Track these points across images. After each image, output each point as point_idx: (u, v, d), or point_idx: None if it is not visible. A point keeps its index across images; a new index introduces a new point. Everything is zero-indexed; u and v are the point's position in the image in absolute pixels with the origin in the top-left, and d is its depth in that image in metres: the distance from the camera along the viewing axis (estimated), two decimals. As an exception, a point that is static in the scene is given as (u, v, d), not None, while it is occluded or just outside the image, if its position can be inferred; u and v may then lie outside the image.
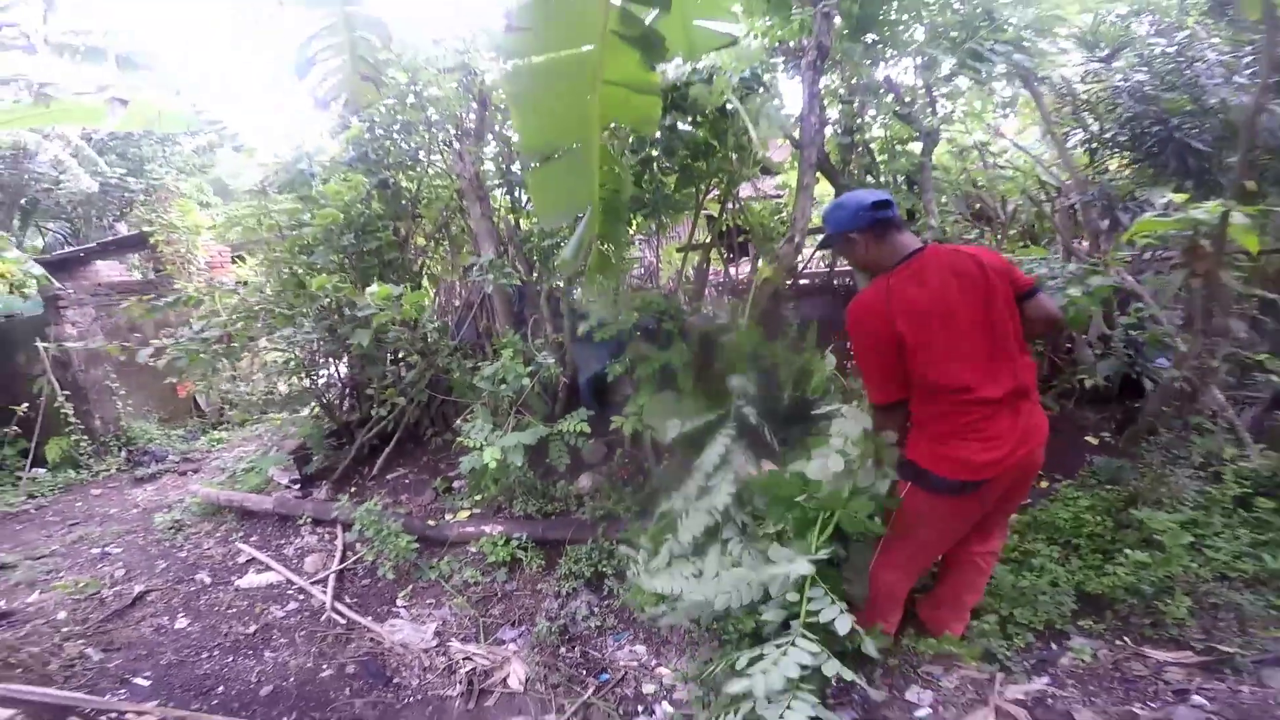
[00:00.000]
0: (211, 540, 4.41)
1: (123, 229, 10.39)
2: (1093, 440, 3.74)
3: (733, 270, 5.38)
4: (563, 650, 3.02)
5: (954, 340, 2.05)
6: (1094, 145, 3.96)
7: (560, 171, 2.27)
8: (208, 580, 3.91)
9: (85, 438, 6.47)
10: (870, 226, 2.16)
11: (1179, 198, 2.76)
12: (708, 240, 4.88)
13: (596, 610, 3.24)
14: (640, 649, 3.00)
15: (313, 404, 5.31)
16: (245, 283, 4.86)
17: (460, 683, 2.84)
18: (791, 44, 3.68)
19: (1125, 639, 2.62)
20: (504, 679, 2.86)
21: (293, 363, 4.85)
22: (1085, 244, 3.83)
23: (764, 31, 3.83)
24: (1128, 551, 2.84)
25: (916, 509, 2.24)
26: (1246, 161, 2.78)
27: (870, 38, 3.84)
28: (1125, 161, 4.04)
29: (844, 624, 2.08)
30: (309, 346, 4.75)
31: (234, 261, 7.75)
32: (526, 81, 1.98)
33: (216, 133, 3.34)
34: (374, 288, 3.73)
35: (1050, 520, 3.13)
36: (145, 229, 7.93)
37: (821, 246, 2.48)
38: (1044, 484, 3.48)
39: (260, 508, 4.55)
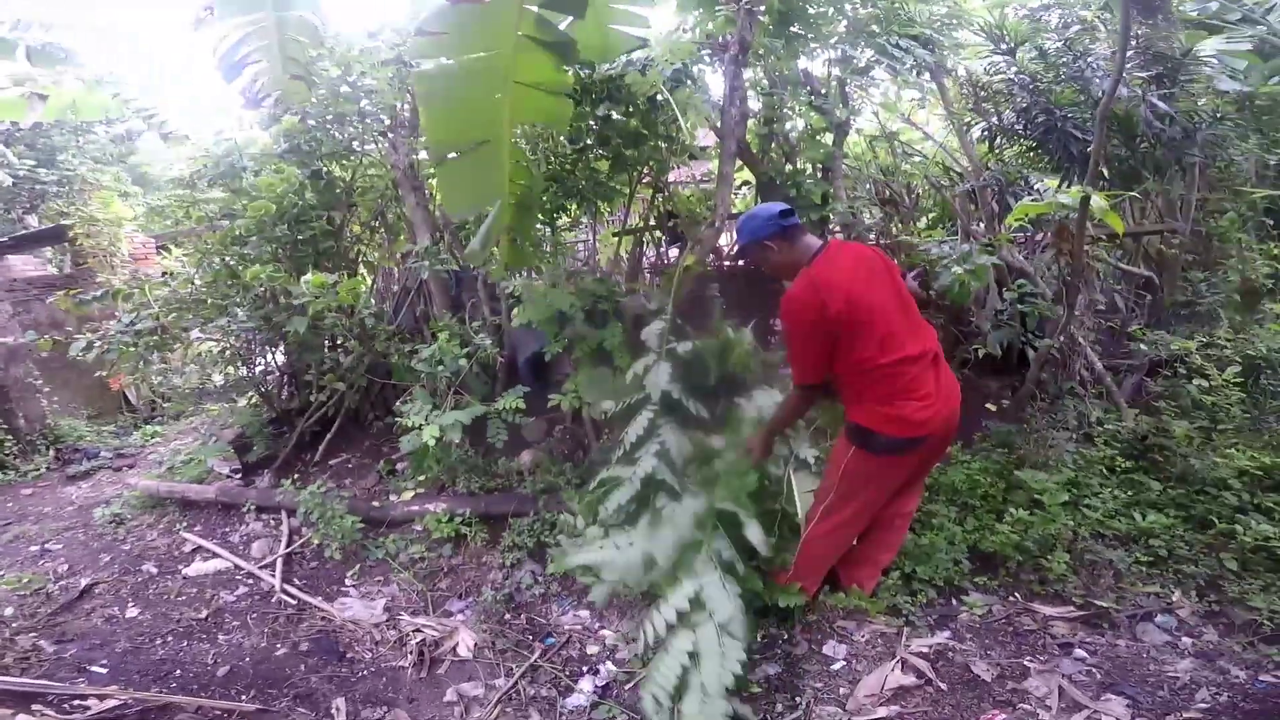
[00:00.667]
0: (154, 532, 4.37)
1: (33, 222, 9.84)
2: (992, 407, 4.02)
3: (667, 253, 5.56)
4: (509, 618, 3.16)
5: (878, 312, 2.30)
6: (993, 134, 4.28)
7: (468, 167, 2.38)
8: (154, 570, 3.90)
9: (9, 438, 6.24)
10: (781, 232, 2.43)
11: (1051, 183, 3.07)
12: (641, 225, 5.05)
13: (540, 579, 3.38)
14: (584, 613, 3.15)
15: (250, 393, 5.26)
16: (173, 274, 4.77)
17: (411, 653, 2.93)
18: (720, 38, 3.84)
19: (1016, 595, 2.86)
20: (454, 647, 2.97)
21: (229, 352, 4.82)
22: (982, 226, 4.15)
23: (697, 23, 3.98)
24: (1014, 511, 3.04)
25: (863, 471, 2.46)
26: (1102, 151, 3.07)
27: (794, 28, 4.03)
28: (1020, 149, 4.37)
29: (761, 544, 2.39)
30: (244, 336, 4.72)
31: (160, 251, 7.49)
32: (437, 82, 2.09)
33: (144, 120, 3.29)
34: (309, 276, 3.78)
35: (949, 482, 3.33)
36: (63, 222, 7.59)
37: (739, 256, 2.73)
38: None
39: (203, 497, 4.52)
